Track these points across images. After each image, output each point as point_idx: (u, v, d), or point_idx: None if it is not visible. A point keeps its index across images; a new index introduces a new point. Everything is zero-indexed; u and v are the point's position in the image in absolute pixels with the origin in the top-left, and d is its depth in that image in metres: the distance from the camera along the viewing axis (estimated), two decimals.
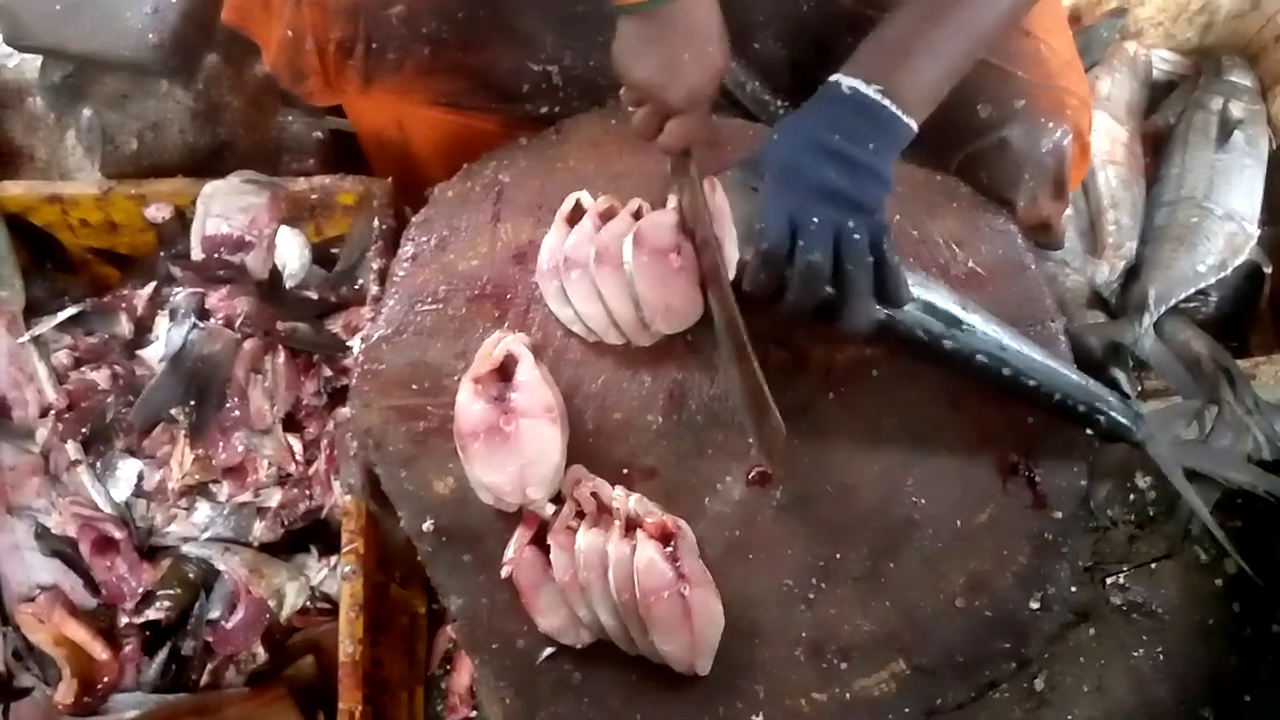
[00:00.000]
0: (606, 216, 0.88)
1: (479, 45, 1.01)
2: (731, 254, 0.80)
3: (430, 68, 1.01)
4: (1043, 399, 0.85)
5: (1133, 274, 1.27)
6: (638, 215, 0.89)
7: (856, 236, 0.75)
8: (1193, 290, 1.24)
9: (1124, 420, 0.85)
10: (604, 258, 0.84)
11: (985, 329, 0.83)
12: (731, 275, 0.80)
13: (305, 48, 0.99)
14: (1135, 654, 1.31)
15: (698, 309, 0.86)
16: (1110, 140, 1.38)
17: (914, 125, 0.79)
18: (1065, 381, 0.84)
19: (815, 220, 0.75)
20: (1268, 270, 1.30)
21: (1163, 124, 1.45)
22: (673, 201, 0.89)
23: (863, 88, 0.77)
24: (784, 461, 0.79)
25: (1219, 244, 1.26)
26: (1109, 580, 1.33)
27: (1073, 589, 0.84)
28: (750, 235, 0.77)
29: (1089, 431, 0.86)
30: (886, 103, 0.77)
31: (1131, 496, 1.38)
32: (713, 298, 0.83)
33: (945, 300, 0.82)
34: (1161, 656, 1.31)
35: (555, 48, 1.01)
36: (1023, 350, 0.84)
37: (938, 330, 0.81)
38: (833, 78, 0.80)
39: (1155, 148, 1.42)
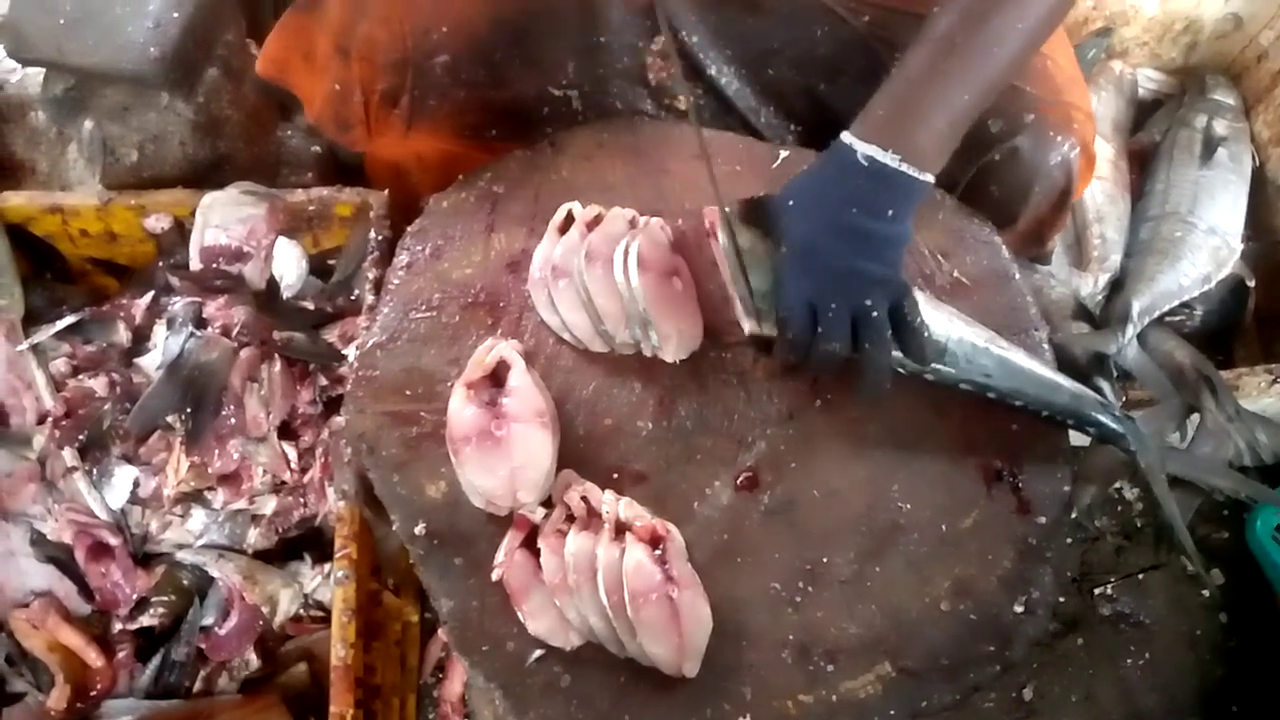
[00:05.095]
0: (593, 226, 0.89)
1: (509, 81, 1.03)
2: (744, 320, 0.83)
3: (464, 107, 1.03)
4: (1030, 414, 0.87)
5: (1117, 286, 1.28)
6: (632, 223, 0.91)
7: (875, 314, 0.77)
8: (1177, 303, 1.26)
9: (1115, 429, 0.87)
10: (595, 258, 0.86)
11: (972, 356, 0.84)
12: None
13: (353, 100, 1.01)
14: (1123, 664, 1.31)
15: (700, 331, 0.88)
16: (1097, 157, 1.40)
17: (931, 179, 0.79)
18: (1051, 402, 0.86)
19: (834, 306, 0.77)
20: (1251, 284, 1.32)
21: (1148, 141, 1.47)
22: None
23: (880, 155, 0.76)
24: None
25: (1203, 258, 1.28)
26: (1097, 591, 1.34)
27: (1060, 599, 0.85)
28: (767, 303, 0.81)
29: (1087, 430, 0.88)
30: (905, 168, 0.77)
31: (1119, 508, 1.39)
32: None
33: (933, 332, 0.83)
34: (1149, 667, 1.32)
35: (576, 74, 1.04)
36: (1008, 373, 0.85)
37: (915, 368, 0.83)
38: (846, 139, 0.79)
39: (1141, 164, 1.45)
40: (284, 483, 1.08)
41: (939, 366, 0.84)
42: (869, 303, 0.77)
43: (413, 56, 0.98)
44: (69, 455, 1.06)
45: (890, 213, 0.77)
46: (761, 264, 0.82)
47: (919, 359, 0.80)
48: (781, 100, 1.06)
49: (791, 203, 0.81)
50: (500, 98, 1.03)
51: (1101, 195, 1.36)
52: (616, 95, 1.04)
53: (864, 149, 0.77)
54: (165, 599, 1.05)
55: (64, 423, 1.06)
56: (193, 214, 1.13)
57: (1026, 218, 0.99)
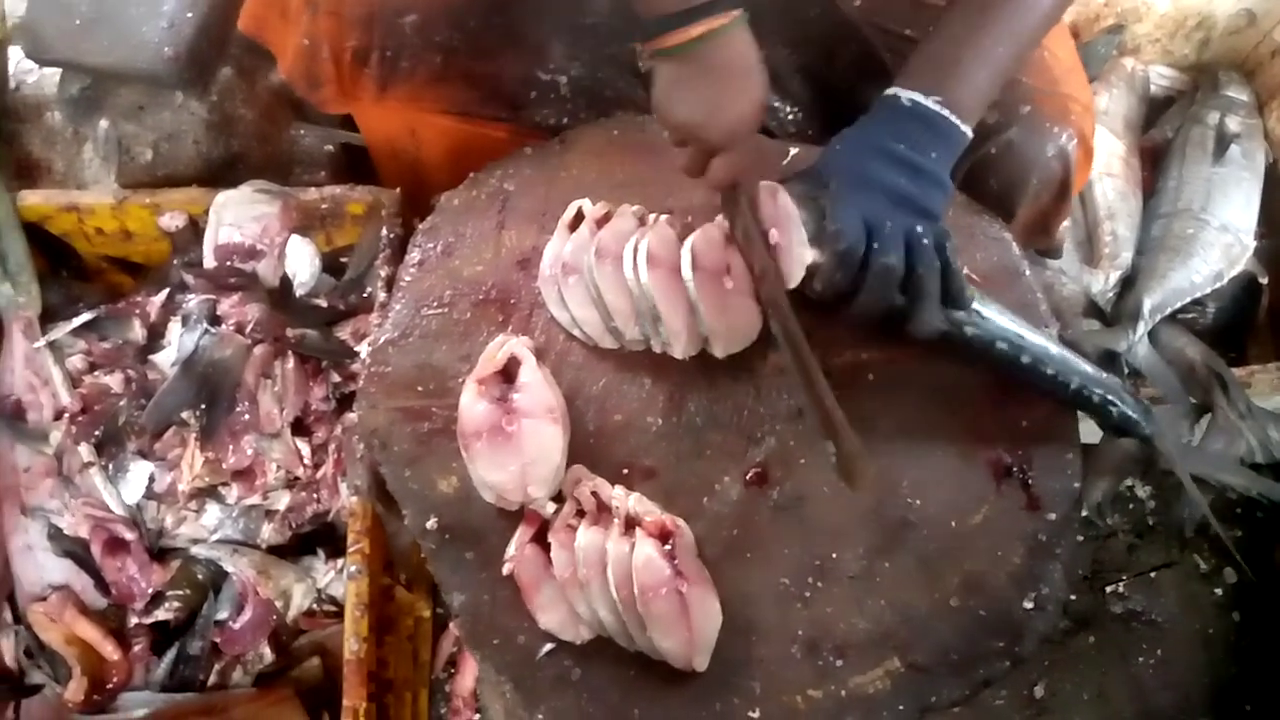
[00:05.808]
0: (603, 223, 0.90)
1: (489, 54, 1.03)
2: (801, 255, 0.79)
3: (442, 76, 1.03)
4: (1059, 387, 0.85)
5: (1129, 284, 1.28)
6: (641, 220, 0.91)
7: (925, 241, 0.77)
8: (1188, 300, 1.26)
9: (1135, 413, 0.87)
10: (604, 254, 0.86)
11: (1001, 318, 0.84)
12: (798, 279, 0.80)
13: (321, 56, 1.02)
14: (1135, 662, 1.31)
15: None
16: (1108, 154, 1.40)
17: (970, 132, 0.81)
18: (1082, 371, 0.86)
19: (889, 223, 0.77)
20: (1264, 281, 1.32)
21: (1160, 138, 1.46)
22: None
23: (922, 99, 0.79)
24: (865, 484, 0.75)
25: (1215, 255, 1.28)
26: (1109, 589, 1.34)
27: (1071, 596, 0.84)
28: (821, 236, 0.78)
29: (1100, 424, 0.87)
30: (946, 113, 0.79)
31: (1131, 505, 1.39)
32: (775, 323, 0.83)
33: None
34: (1161, 665, 1.31)
35: (563, 58, 1.04)
36: (1040, 339, 0.85)
37: (959, 317, 0.82)
38: (890, 90, 0.82)
39: (1153, 161, 1.44)
40: (297, 478, 1.09)
41: (979, 317, 0.82)
42: (920, 229, 0.77)
43: (380, 12, 0.99)
44: (85, 451, 1.08)
45: (934, 155, 0.79)
46: (807, 211, 0.80)
47: (959, 304, 0.79)
48: (777, 81, 1.06)
49: (838, 146, 0.82)
50: (482, 71, 1.03)
51: (1113, 192, 1.36)
52: (607, 83, 1.05)
53: (907, 94, 0.80)
54: (180, 593, 1.06)
55: (80, 419, 1.07)
56: (207, 212, 1.14)
57: (1027, 210, 0.99)
